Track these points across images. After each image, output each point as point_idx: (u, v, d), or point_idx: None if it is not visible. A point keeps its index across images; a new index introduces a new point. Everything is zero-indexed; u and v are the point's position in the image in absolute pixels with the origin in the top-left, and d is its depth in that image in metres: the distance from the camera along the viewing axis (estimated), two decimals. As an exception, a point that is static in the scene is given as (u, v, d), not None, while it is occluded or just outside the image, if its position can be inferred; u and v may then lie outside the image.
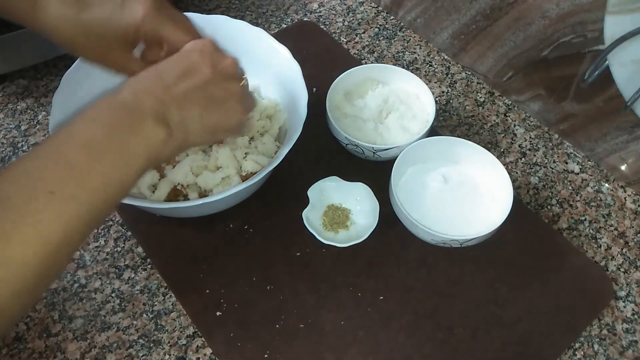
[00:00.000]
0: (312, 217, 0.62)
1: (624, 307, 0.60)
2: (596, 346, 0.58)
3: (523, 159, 0.73)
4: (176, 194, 0.60)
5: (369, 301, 0.58)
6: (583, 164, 0.73)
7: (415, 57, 0.84)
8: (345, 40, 0.86)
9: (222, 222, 0.63)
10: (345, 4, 0.91)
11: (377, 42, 0.86)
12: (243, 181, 0.59)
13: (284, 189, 0.66)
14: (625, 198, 0.69)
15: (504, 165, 0.61)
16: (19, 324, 0.56)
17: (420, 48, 0.85)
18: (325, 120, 0.66)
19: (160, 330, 0.57)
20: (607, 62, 0.62)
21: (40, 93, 0.77)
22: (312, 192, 0.62)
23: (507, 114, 0.77)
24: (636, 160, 0.68)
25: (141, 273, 0.60)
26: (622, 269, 0.63)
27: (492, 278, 0.60)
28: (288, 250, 0.61)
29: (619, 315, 0.60)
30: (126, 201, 0.55)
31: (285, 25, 0.87)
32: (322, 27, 0.87)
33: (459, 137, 0.66)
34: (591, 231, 0.66)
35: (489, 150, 0.62)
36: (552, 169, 0.72)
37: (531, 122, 0.77)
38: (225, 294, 0.58)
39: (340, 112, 0.69)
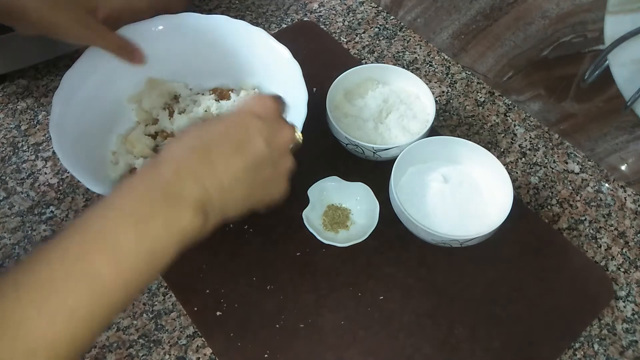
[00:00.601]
0: (312, 217, 0.62)
1: (624, 307, 0.60)
2: (596, 346, 0.58)
3: (523, 158, 0.73)
4: None
5: (369, 301, 0.58)
6: (583, 163, 0.73)
7: (416, 57, 0.84)
8: (345, 40, 0.86)
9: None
10: (345, 4, 0.91)
11: (377, 42, 0.86)
12: None
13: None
14: (625, 198, 0.69)
15: (504, 165, 0.61)
16: (19, 324, 0.56)
17: (421, 48, 0.85)
18: (325, 120, 0.66)
19: (160, 330, 0.57)
20: (607, 62, 0.62)
21: (40, 93, 0.77)
22: (312, 192, 0.62)
23: (507, 114, 0.77)
24: (636, 160, 0.68)
25: (141, 273, 0.60)
26: (622, 269, 0.63)
27: (492, 278, 0.60)
28: (288, 250, 0.61)
29: (619, 315, 0.60)
30: None
31: (285, 25, 0.87)
32: (322, 27, 0.87)
33: (459, 137, 0.66)
34: (591, 231, 0.66)
35: (489, 150, 0.62)
36: (552, 168, 0.72)
37: (531, 122, 0.77)
38: (225, 293, 0.58)
39: (340, 112, 0.69)
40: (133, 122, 0.67)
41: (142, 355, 0.55)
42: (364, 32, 0.87)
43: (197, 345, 0.56)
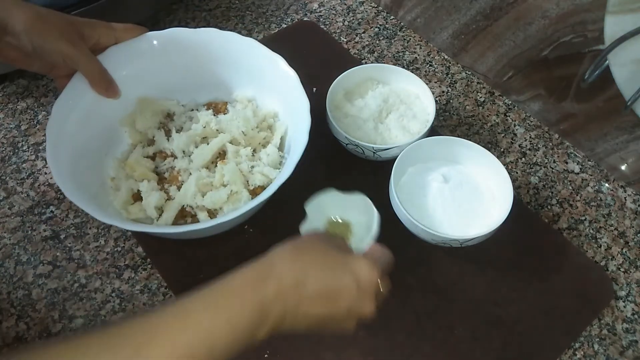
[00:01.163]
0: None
1: (624, 307, 0.60)
2: (596, 346, 0.58)
3: (523, 158, 0.73)
4: (183, 214, 0.59)
5: (369, 301, 0.58)
6: (583, 163, 0.73)
7: (415, 57, 0.84)
8: (345, 40, 0.86)
9: (222, 222, 0.63)
10: (345, 4, 0.91)
11: (377, 42, 0.86)
12: (251, 195, 0.59)
13: (284, 188, 0.66)
14: (625, 198, 0.69)
15: (504, 165, 0.61)
16: (19, 324, 0.56)
17: (420, 48, 0.85)
18: (325, 120, 0.66)
19: (160, 330, 0.57)
20: (607, 62, 0.62)
21: (40, 93, 0.77)
22: (310, 207, 0.58)
23: (507, 114, 0.77)
24: (636, 160, 0.68)
25: (141, 273, 0.60)
26: (622, 269, 0.63)
27: (492, 278, 0.60)
28: (288, 250, 0.61)
29: (619, 315, 0.60)
30: (138, 229, 0.55)
31: (285, 25, 0.87)
32: (322, 27, 0.87)
33: (459, 137, 0.66)
34: (591, 231, 0.66)
35: (489, 150, 0.62)
36: (552, 168, 0.72)
37: (531, 122, 0.77)
38: (225, 293, 0.58)
39: (341, 112, 0.69)
40: (128, 145, 0.65)
41: (142, 355, 0.55)
42: (364, 32, 0.87)
43: (197, 345, 0.56)
